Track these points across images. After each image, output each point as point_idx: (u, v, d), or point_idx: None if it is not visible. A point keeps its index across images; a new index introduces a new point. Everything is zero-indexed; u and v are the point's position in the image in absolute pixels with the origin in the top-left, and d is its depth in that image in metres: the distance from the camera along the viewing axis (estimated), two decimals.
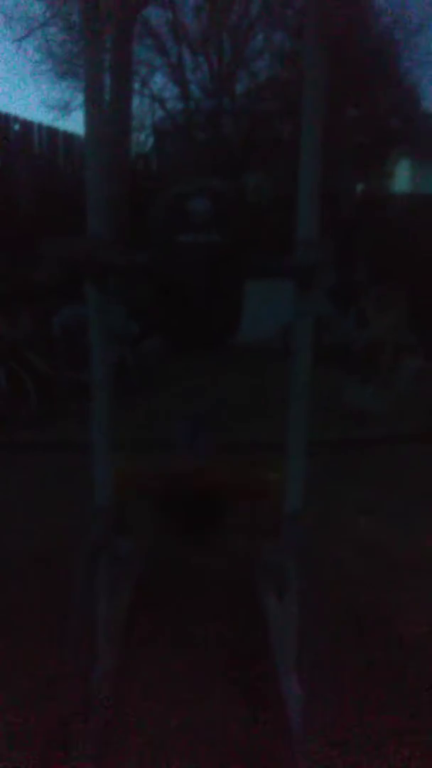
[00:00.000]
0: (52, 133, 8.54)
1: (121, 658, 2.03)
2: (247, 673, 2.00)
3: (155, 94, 10.96)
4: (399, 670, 2.02)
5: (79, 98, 10.52)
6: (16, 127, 7.99)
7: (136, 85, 10.18)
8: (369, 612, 2.33)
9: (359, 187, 10.85)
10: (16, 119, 7.96)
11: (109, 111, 7.47)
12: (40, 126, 8.35)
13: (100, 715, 1.77)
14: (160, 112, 11.07)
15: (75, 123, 13.94)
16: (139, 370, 5.53)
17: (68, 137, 8.68)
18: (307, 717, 1.62)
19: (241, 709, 1.85)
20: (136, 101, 10.17)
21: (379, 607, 2.36)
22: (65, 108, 10.81)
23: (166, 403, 4.90)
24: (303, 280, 1.83)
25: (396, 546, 2.83)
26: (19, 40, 10.05)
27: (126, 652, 2.06)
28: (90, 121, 1.79)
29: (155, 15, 10.19)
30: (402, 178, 11.31)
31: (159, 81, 11.17)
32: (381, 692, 1.91)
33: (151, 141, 11.18)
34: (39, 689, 1.85)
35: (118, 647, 2.05)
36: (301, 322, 1.88)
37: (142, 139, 11.13)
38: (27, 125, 8.16)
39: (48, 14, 9.76)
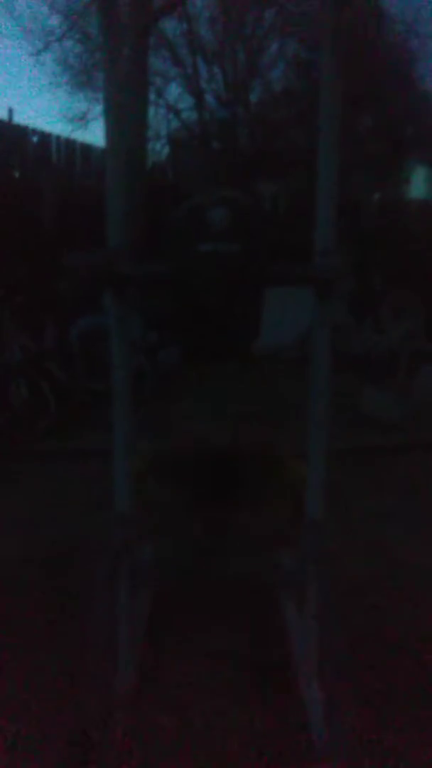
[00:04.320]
0: (69, 144, 8.64)
1: (141, 665, 2.03)
2: (268, 681, 2.00)
3: (170, 105, 11.06)
4: (418, 679, 2.00)
5: (96, 109, 10.67)
6: (35, 139, 8.09)
7: (152, 96, 10.26)
8: (388, 620, 2.32)
9: (376, 195, 10.83)
10: (34, 132, 8.06)
11: (126, 122, 7.54)
12: (58, 138, 8.44)
13: (121, 723, 1.78)
14: (175, 122, 11.17)
15: (92, 134, 14.13)
16: (156, 378, 5.56)
17: (86, 149, 8.76)
18: (328, 726, 1.61)
19: (263, 718, 1.85)
20: (151, 111, 10.27)
21: (398, 615, 2.35)
22: (82, 119, 10.92)
23: (183, 411, 4.91)
24: (322, 289, 1.84)
25: (414, 554, 2.82)
26: (37, 53, 10.16)
27: (146, 660, 2.07)
28: (110, 133, 1.81)
29: (171, 26, 10.29)
30: (418, 185, 11.27)
31: (174, 91, 11.29)
32: (401, 701, 1.90)
33: (166, 151, 11.27)
34: (60, 696, 1.87)
35: (138, 654, 2.06)
36: (319, 330, 1.88)
37: (157, 149, 11.22)
38: (45, 137, 8.26)
39: (65, 27, 9.86)
